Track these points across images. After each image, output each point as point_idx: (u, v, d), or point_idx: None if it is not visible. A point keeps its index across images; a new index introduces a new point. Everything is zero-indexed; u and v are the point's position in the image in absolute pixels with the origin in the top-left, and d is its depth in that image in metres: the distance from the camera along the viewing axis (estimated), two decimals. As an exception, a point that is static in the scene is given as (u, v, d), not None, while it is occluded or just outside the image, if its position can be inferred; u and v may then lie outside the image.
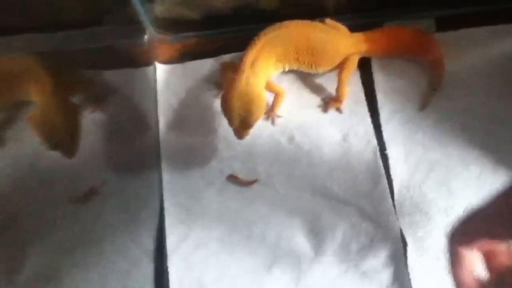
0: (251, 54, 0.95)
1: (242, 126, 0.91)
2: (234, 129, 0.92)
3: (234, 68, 0.97)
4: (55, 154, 0.97)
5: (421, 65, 1.05)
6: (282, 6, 1.08)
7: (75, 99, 1.05)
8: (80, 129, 0.97)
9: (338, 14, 1.05)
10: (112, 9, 1.10)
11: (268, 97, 0.99)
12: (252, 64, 0.95)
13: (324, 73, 1.05)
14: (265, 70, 0.97)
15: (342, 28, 1.03)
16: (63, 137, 0.94)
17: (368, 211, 0.95)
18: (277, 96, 1.01)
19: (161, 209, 0.99)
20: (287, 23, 0.98)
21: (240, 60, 0.96)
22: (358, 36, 1.02)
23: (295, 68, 1.02)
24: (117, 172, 1.03)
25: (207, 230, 0.96)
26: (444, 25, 1.06)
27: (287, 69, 1.02)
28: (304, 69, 1.02)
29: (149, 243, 0.96)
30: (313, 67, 1.01)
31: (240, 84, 0.92)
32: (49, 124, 0.95)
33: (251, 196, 0.98)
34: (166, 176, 1.01)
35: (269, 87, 0.99)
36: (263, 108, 0.93)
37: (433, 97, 1.01)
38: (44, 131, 0.95)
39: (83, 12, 1.12)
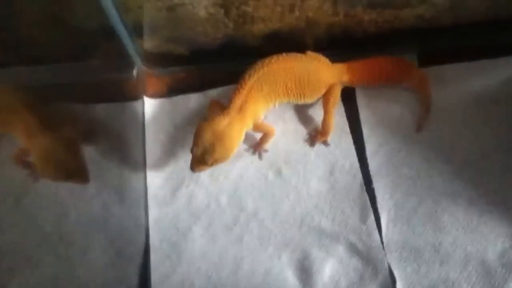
0: (238, 99, 0.91)
1: (200, 159, 0.87)
2: (192, 158, 0.88)
3: (222, 107, 0.94)
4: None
5: (404, 96, 1.02)
6: (266, 42, 1.06)
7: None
8: (83, 156, 0.94)
9: (319, 51, 1.03)
10: (101, 43, 1.07)
11: (256, 134, 0.97)
12: (240, 109, 0.91)
13: (312, 103, 1.02)
14: (254, 113, 0.94)
15: (323, 59, 1.01)
16: (72, 168, 0.91)
17: (356, 246, 0.90)
18: (266, 134, 0.98)
19: (147, 245, 0.93)
20: (268, 61, 0.94)
21: (228, 104, 0.92)
22: (340, 66, 1.00)
23: (285, 102, 0.99)
24: (103, 207, 0.96)
25: (193, 266, 0.91)
26: (426, 60, 1.05)
27: (277, 105, 0.99)
28: (294, 101, 0.99)
29: (134, 279, 0.90)
30: (302, 97, 0.98)
31: (221, 122, 0.89)
32: (53, 160, 0.91)
33: (238, 231, 0.93)
34: (152, 211, 0.95)
35: (258, 128, 0.96)
36: (227, 154, 0.89)
37: (427, 118, 0.99)
38: (51, 168, 0.91)
39: (72, 46, 1.08)
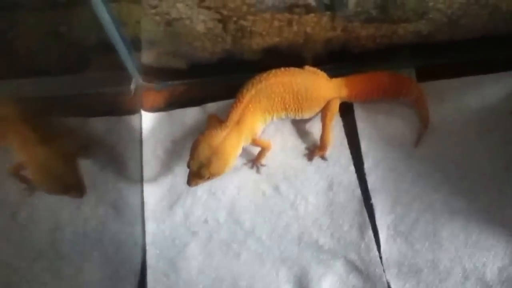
0: (235, 113, 0.91)
1: (196, 173, 0.86)
2: (189, 173, 0.87)
3: (220, 122, 0.93)
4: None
5: (402, 111, 1.02)
6: (265, 57, 1.05)
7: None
8: (80, 169, 0.92)
9: (318, 65, 1.03)
10: (99, 57, 1.06)
11: (254, 148, 0.96)
12: (238, 123, 0.91)
13: (309, 118, 1.01)
14: (251, 127, 0.93)
15: (321, 74, 1.00)
16: (69, 182, 0.89)
17: (354, 263, 0.89)
18: (263, 148, 0.97)
19: (144, 261, 0.92)
20: (266, 75, 0.94)
21: (226, 117, 0.91)
22: (338, 81, 1.00)
23: (282, 117, 0.98)
24: (100, 222, 0.95)
25: (191, 283, 0.89)
26: (424, 75, 1.04)
27: (275, 119, 0.98)
28: (291, 116, 0.98)
29: (131, 298, 0.89)
30: (300, 112, 0.98)
31: (218, 136, 0.88)
32: (50, 173, 0.90)
33: (236, 247, 0.92)
34: (149, 227, 0.94)
35: (256, 142, 0.96)
36: (224, 168, 0.87)
37: (425, 134, 0.98)
38: (47, 181, 0.90)
39: (70, 59, 1.07)
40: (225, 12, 0.95)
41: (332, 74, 1.01)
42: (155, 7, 0.94)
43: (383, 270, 0.88)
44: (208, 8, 0.94)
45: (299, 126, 1.02)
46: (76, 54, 1.05)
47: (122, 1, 0.93)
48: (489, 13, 0.98)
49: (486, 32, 1.02)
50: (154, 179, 0.99)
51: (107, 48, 0.99)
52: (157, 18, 0.96)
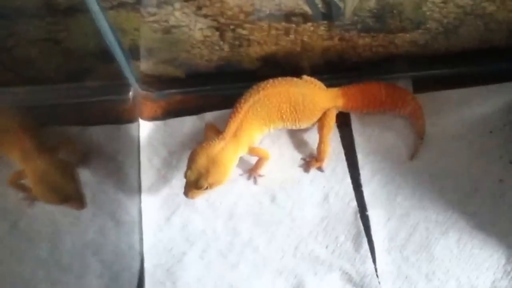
0: (233, 123, 0.90)
1: (194, 184, 0.85)
2: (186, 184, 0.86)
3: (217, 131, 0.93)
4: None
5: (399, 123, 1.01)
6: (262, 66, 1.05)
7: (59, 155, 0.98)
8: (79, 180, 0.91)
9: (315, 74, 1.02)
10: (97, 65, 1.05)
11: (251, 159, 0.95)
12: (235, 133, 0.90)
13: (306, 128, 1.00)
14: (249, 137, 0.93)
15: (318, 83, 0.99)
16: (68, 192, 0.89)
17: (350, 275, 0.89)
18: (261, 158, 0.96)
19: (142, 271, 0.91)
20: (264, 85, 0.93)
21: (224, 127, 0.91)
22: (335, 91, 0.99)
23: (280, 127, 0.97)
24: (98, 231, 0.95)
25: (189, 293, 0.89)
26: (421, 86, 1.03)
27: (272, 130, 0.97)
28: (288, 126, 0.98)
29: (129, 307, 0.89)
30: (297, 122, 0.97)
31: (216, 146, 0.87)
32: (49, 183, 0.89)
33: (233, 257, 0.91)
34: (147, 236, 0.94)
35: (253, 152, 0.95)
36: (221, 179, 0.87)
37: (420, 147, 0.97)
38: (47, 191, 0.89)
39: (69, 67, 1.06)
40: (222, 20, 0.94)
41: (329, 84, 1.00)
42: (153, 14, 0.93)
43: (378, 282, 0.88)
44: (205, 16, 0.93)
45: (296, 137, 1.02)
46: (74, 62, 1.04)
47: (120, 9, 0.92)
48: (485, 23, 0.97)
49: (483, 43, 1.01)
50: (152, 188, 0.98)
51: (106, 56, 0.98)
52: (156, 25, 0.95)
